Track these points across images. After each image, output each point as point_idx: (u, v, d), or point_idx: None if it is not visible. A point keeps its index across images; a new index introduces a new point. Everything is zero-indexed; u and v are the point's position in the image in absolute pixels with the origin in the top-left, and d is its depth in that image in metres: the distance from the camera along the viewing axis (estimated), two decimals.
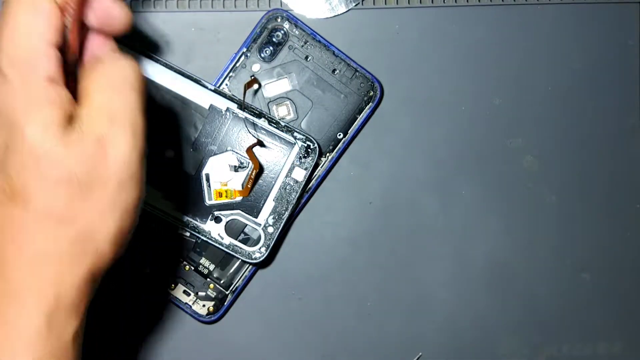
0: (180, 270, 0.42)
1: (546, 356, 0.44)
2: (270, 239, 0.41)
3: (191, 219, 0.41)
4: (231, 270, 0.42)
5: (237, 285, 0.42)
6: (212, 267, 0.42)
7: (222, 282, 0.42)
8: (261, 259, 0.41)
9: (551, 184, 0.44)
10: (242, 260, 0.42)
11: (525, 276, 0.44)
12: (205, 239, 0.41)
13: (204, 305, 0.42)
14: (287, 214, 0.41)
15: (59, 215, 0.30)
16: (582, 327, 0.44)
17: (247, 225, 0.41)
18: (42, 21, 0.30)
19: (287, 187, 0.41)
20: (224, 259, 0.42)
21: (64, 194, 0.29)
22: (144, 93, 0.32)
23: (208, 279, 0.42)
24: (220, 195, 0.41)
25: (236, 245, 0.41)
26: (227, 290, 0.42)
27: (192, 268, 0.42)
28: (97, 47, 0.33)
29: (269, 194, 0.41)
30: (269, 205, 0.41)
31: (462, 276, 0.43)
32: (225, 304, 0.42)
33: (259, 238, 0.41)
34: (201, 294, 0.42)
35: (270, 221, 0.41)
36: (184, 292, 0.42)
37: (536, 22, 0.43)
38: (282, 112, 0.42)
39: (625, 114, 0.44)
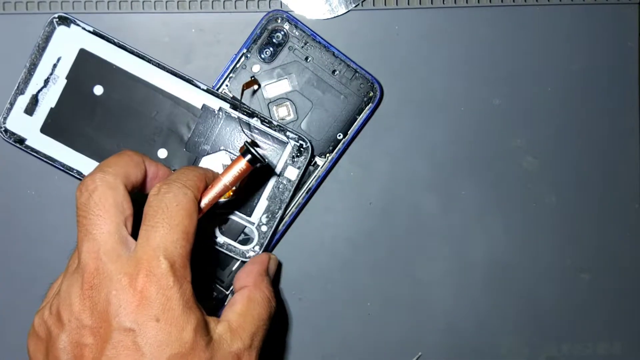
0: None
1: (546, 356, 0.44)
2: (264, 238, 0.41)
3: None
4: (231, 271, 0.42)
5: None
6: (212, 267, 0.42)
7: (222, 282, 0.42)
8: (254, 257, 0.41)
9: (551, 184, 0.44)
10: (236, 259, 0.42)
11: (525, 276, 0.44)
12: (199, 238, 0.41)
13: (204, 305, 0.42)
14: (280, 212, 0.41)
15: None
16: (582, 327, 0.44)
17: (246, 226, 0.41)
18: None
19: (281, 186, 0.41)
20: (224, 259, 0.42)
21: None
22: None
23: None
24: None
25: (230, 244, 0.41)
26: (227, 290, 0.42)
27: None
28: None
29: (262, 193, 0.41)
30: (262, 204, 0.42)
31: (462, 276, 0.44)
32: (226, 304, 0.42)
33: (253, 236, 0.41)
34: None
35: (264, 220, 0.41)
36: None
37: (536, 23, 0.43)
38: (282, 112, 0.42)
39: (624, 114, 0.44)
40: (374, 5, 0.43)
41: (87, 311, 0.32)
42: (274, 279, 0.43)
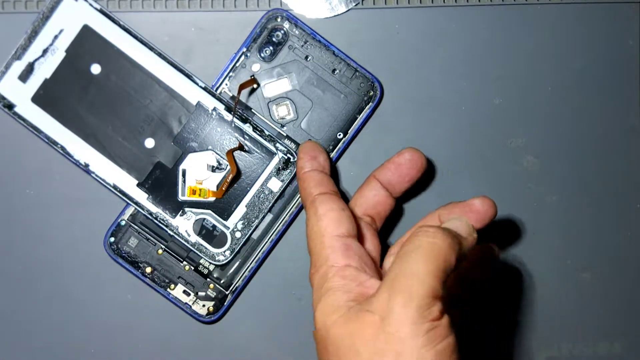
0: (180, 270, 0.42)
1: (546, 356, 0.44)
2: (236, 244, 0.41)
3: (161, 212, 0.41)
4: (231, 270, 0.42)
5: (237, 285, 0.42)
6: (212, 267, 0.42)
7: (222, 282, 0.42)
8: (224, 262, 0.41)
9: (552, 184, 0.44)
10: (207, 260, 0.42)
11: (525, 276, 0.44)
12: (172, 233, 0.41)
13: (204, 305, 0.42)
14: (257, 221, 0.41)
15: None
16: (583, 327, 0.44)
17: (220, 229, 0.41)
18: (329, 222, 0.36)
19: (261, 196, 0.41)
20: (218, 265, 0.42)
21: None
22: (447, 262, 0.32)
23: (208, 279, 0.42)
24: (193, 192, 0.41)
25: (201, 245, 0.41)
26: (227, 290, 0.42)
27: (192, 268, 0.42)
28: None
29: (242, 199, 0.41)
30: (240, 210, 0.41)
31: (461, 277, 0.43)
32: (225, 304, 0.42)
33: (225, 240, 0.41)
34: (201, 294, 0.42)
35: (239, 226, 0.41)
36: (184, 292, 0.42)
37: (536, 22, 0.43)
38: (281, 112, 0.42)
39: (625, 113, 0.44)
40: (374, 4, 0.43)
41: None
42: (274, 279, 0.43)
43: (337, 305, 0.32)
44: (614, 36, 0.43)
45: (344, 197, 0.41)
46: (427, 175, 0.43)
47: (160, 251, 0.42)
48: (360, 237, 0.37)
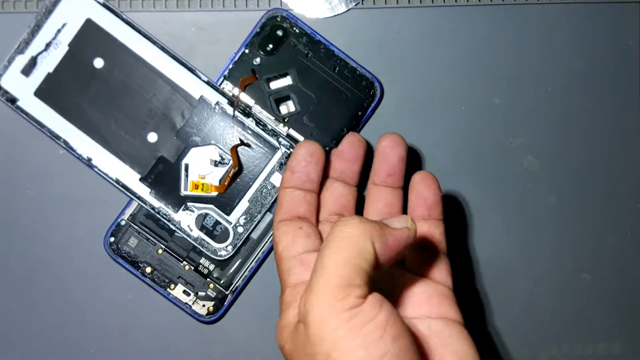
0: (180, 270, 0.42)
1: (546, 356, 0.44)
2: (238, 239, 0.41)
3: (164, 206, 0.41)
4: (231, 270, 0.42)
5: (237, 285, 0.42)
6: (212, 267, 0.42)
7: (222, 282, 0.42)
8: (226, 257, 0.41)
9: (551, 184, 0.44)
10: (208, 255, 0.42)
11: (525, 276, 0.44)
12: (174, 227, 0.41)
13: (203, 305, 0.42)
14: (259, 217, 0.41)
15: None
16: (582, 327, 0.44)
17: (222, 224, 0.41)
18: (284, 246, 0.36)
19: (264, 191, 0.41)
20: (221, 260, 0.42)
21: None
22: (361, 248, 0.31)
23: (208, 279, 0.42)
24: (196, 187, 0.41)
25: (204, 240, 0.41)
26: (227, 290, 0.42)
27: (192, 268, 0.42)
28: None
29: (244, 194, 0.41)
30: (242, 205, 0.41)
31: (462, 276, 0.43)
32: (225, 304, 0.42)
33: (228, 235, 0.41)
34: (201, 294, 0.42)
35: (242, 221, 0.41)
36: (184, 292, 0.42)
37: (536, 22, 0.43)
38: (284, 106, 0.42)
39: (625, 113, 0.44)
40: (374, 3, 0.43)
41: None
42: (274, 279, 0.43)
43: (286, 324, 0.33)
44: (614, 36, 0.43)
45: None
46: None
47: (160, 251, 0.42)
48: None
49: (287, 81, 0.42)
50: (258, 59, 0.42)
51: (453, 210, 0.43)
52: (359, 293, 0.30)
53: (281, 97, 0.42)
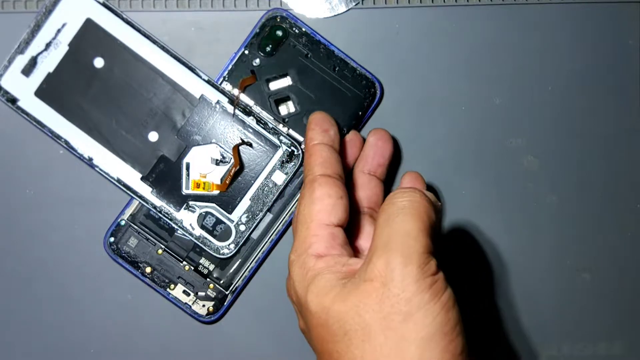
0: (180, 270, 0.42)
1: (546, 356, 0.44)
2: (240, 237, 0.41)
3: (165, 205, 0.41)
4: (231, 270, 0.42)
5: (237, 285, 0.42)
6: (212, 267, 0.42)
7: (222, 282, 0.42)
8: (229, 255, 0.41)
9: (551, 184, 0.44)
10: (210, 253, 0.42)
11: (525, 276, 0.44)
12: (176, 226, 0.41)
13: (203, 305, 0.42)
14: (261, 214, 0.41)
15: None
16: (582, 327, 0.44)
17: (225, 222, 0.41)
18: (322, 209, 0.35)
19: (265, 189, 0.41)
20: (223, 259, 0.42)
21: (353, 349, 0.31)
22: (431, 219, 0.33)
23: (208, 279, 0.42)
24: (197, 186, 0.41)
25: (206, 238, 0.41)
26: (227, 290, 0.42)
27: (192, 268, 0.42)
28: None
29: (246, 193, 0.41)
30: (244, 204, 0.41)
31: (462, 276, 0.43)
32: (225, 304, 0.42)
33: (230, 234, 0.41)
34: (201, 294, 0.42)
35: (244, 219, 0.41)
36: (184, 292, 0.42)
37: (536, 22, 0.43)
38: (282, 111, 0.42)
39: (625, 113, 0.44)
40: (374, 3, 0.43)
41: None
42: (274, 279, 0.43)
43: (330, 286, 0.32)
44: (615, 36, 0.43)
45: None
46: (427, 174, 0.43)
47: (160, 251, 0.42)
48: (359, 231, 0.38)
49: (286, 82, 0.42)
50: (258, 60, 0.42)
51: (453, 210, 0.43)
52: (436, 262, 0.31)
53: (281, 97, 0.42)
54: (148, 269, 0.42)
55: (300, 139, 0.42)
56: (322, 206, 0.35)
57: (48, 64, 0.41)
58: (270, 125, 0.41)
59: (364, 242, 0.38)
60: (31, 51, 0.41)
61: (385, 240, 0.31)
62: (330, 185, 0.36)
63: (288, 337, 0.43)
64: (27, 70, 0.41)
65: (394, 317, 0.30)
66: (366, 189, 0.40)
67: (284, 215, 0.42)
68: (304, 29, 0.42)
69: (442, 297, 0.30)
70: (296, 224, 0.36)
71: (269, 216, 0.42)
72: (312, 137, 0.38)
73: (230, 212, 0.41)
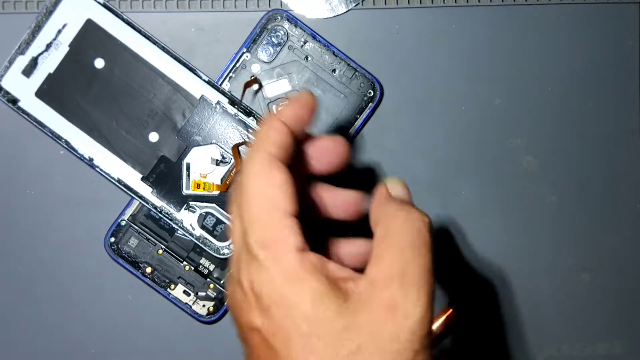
0: (180, 270, 0.42)
1: (546, 356, 0.44)
2: None
3: (165, 205, 0.41)
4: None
5: None
6: (212, 267, 0.42)
7: (222, 282, 0.42)
8: (229, 255, 0.41)
9: (551, 184, 0.44)
10: (211, 253, 0.42)
11: (524, 276, 0.44)
12: (176, 227, 0.41)
13: (204, 306, 0.42)
14: None
15: None
16: (582, 327, 0.44)
17: (224, 223, 0.41)
18: (280, 195, 0.29)
19: None
20: (223, 259, 0.42)
21: None
22: (433, 250, 0.29)
23: (208, 279, 0.42)
24: (198, 186, 0.41)
25: (206, 238, 0.41)
26: (227, 291, 0.42)
27: (192, 268, 0.42)
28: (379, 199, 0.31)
29: None
30: None
31: (462, 276, 0.43)
32: (225, 304, 0.42)
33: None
34: (201, 294, 0.42)
35: None
36: (184, 292, 0.42)
37: (536, 22, 0.43)
38: None
39: (625, 114, 0.44)
40: (374, 4, 0.43)
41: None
42: None
43: (326, 293, 0.28)
44: (614, 36, 0.43)
45: None
46: (427, 175, 0.43)
47: (160, 251, 0.42)
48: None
49: (286, 82, 0.42)
50: (257, 64, 0.42)
51: (453, 210, 0.43)
52: None
53: (279, 103, 0.42)
54: (148, 269, 0.42)
55: None
56: (287, 193, 0.29)
57: (49, 64, 0.41)
58: None
59: None
60: (32, 52, 0.41)
61: (402, 268, 0.28)
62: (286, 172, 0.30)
63: None
64: (28, 70, 0.41)
65: (407, 355, 0.27)
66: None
67: None
68: (304, 30, 0.42)
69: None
70: (249, 202, 0.29)
71: None
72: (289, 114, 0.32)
73: (230, 212, 0.41)
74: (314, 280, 0.28)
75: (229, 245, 0.42)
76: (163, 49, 0.41)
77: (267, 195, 0.29)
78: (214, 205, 0.41)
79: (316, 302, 0.27)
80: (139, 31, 0.41)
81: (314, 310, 0.27)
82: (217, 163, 0.41)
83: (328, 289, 0.28)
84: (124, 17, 0.41)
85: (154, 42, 0.41)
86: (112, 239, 0.42)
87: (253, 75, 0.42)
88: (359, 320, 0.27)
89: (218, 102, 0.41)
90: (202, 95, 0.41)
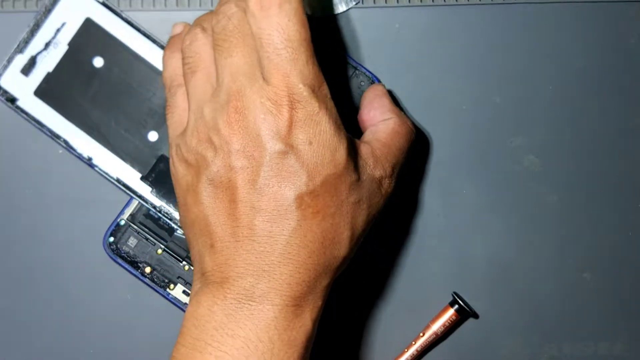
0: (180, 270, 0.42)
1: (547, 356, 0.44)
2: None
3: (165, 205, 0.41)
4: None
5: None
6: None
7: None
8: None
9: (552, 184, 0.44)
10: None
11: (525, 276, 0.44)
12: (176, 226, 0.41)
13: None
14: None
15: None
16: (583, 327, 0.44)
17: None
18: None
19: None
20: None
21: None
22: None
23: None
24: None
25: None
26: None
27: (192, 268, 0.42)
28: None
29: None
30: None
31: (462, 276, 0.43)
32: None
33: None
34: None
35: None
36: (184, 292, 0.42)
37: (538, 21, 0.43)
38: None
39: (627, 113, 0.44)
40: (374, 3, 0.43)
41: (236, 135, 0.33)
42: None
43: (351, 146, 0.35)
44: (616, 35, 0.43)
45: None
46: (427, 174, 0.43)
47: (159, 251, 0.42)
48: None
49: None
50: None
51: (453, 210, 0.43)
52: None
53: None
54: (148, 269, 0.42)
55: None
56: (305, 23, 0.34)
57: (47, 63, 0.41)
58: None
59: None
60: (30, 50, 0.41)
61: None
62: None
63: None
64: (27, 69, 0.41)
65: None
66: None
67: None
68: None
69: None
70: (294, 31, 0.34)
71: None
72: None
73: None
74: (347, 134, 0.35)
75: None
76: (162, 47, 0.41)
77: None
78: None
79: (349, 152, 0.34)
80: (139, 30, 0.41)
81: (346, 158, 0.34)
82: None
83: (352, 144, 0.35)
84: (124, 15, 0.41)
85: (154, 41, 0.41)
86: (111, 239, 0.42)
87: None
88: (363, 179, 0.35)
89: None
90: None
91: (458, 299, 0.42)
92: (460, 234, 0.43)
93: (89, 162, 0.41)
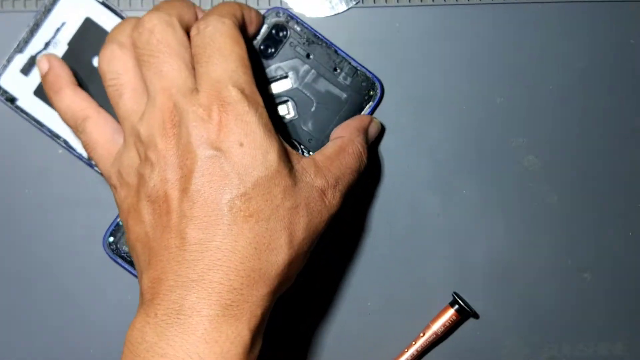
0: None
1: (547, 356, 0.44)
2: None
3: None
4: None
5: None
6: None
7: None
8: None
9: (552, 184, 0.44)
10: None
11: (525, 276, 0.44)
12: None
13: None
14: None
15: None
16: (583, 327, 0.44)
17: None
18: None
19: None
20: None
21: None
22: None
23: None
24: None
25: None
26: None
27: None
28: None
29: None
30: None
31: (462, 276, 0.43)
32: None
33: None
34: None
35: None
36: None
37: (538, 21, 0.43)
38: (282, 111, 0.42)
39: (627, 113, 0.44)
40: (374, 2, 0.43)
41: (172, 148, 0.33)
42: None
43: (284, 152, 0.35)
44: (616, 35, 0.43)
45: None
46: (428, 174, 0.43)
47: None
48: None
49: (287, 81, 0.42)
50: (257, 59, 0.41)
51: (453, 210, 0.43)
52: None
53: (279, 102, 0.42)
54: None
55: (300, 141, 0.42)
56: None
57: None
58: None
59: None
60: (30, 50, 0.41)
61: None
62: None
63: (287, 337, 0.43)
64: (26, 69, 0.41)
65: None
66: None
67: None
68: (305, 28, 0.41)
69: None
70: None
71: None
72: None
73: None
74: (279, 139, 0.34)
75: None
76: None
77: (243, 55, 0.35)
78: None
79: (281, 156, 0.33)
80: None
81: (278, 161, 0.33)
82: None
83: (285, 151, 0.35)
84: (123, 15, 0.41)
85: None
86: (111, 239, 0.42)
87: None
88: (300, 186, 0.34)
89: None
90: None
91: (458, 299, 0.42)
92: (460, 234, 0.43)
93: (88, 162, 0.41)
